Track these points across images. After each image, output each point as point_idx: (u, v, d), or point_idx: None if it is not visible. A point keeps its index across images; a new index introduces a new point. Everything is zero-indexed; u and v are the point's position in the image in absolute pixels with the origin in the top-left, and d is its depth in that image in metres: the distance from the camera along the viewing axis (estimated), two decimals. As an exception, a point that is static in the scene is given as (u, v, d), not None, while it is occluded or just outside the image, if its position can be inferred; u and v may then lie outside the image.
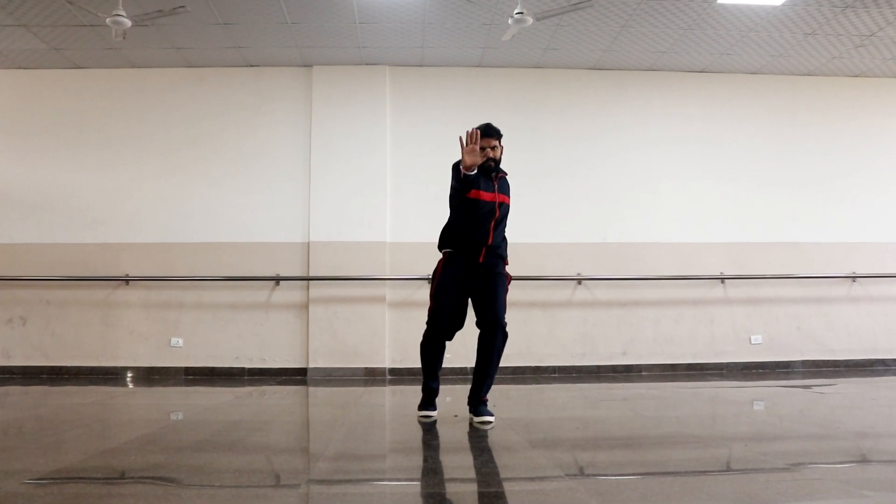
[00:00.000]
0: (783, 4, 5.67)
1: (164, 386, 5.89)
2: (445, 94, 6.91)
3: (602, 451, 3.16)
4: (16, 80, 6.83)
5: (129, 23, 5.08)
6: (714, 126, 7.09)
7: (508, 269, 3.90)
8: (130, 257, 6.61)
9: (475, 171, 3.57)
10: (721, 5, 5.70)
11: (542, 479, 2.54)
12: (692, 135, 7.06)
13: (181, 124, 6.84)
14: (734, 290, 6.87)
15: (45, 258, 6.58)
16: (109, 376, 6.40)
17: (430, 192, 6.34)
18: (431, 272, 3.91)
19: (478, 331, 3.74)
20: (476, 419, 3.67)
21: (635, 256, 6.83)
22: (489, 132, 3.74)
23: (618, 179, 6.95)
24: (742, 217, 6.96)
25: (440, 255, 3.90)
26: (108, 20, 5.07)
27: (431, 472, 2.73)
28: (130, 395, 5.40)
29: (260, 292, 6.64)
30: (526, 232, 6.48)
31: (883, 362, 6.85)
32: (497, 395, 4.93)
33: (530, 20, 5.13)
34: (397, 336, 6.55)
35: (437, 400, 3.91)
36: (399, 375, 6.40)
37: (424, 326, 3.84)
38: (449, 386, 5.14)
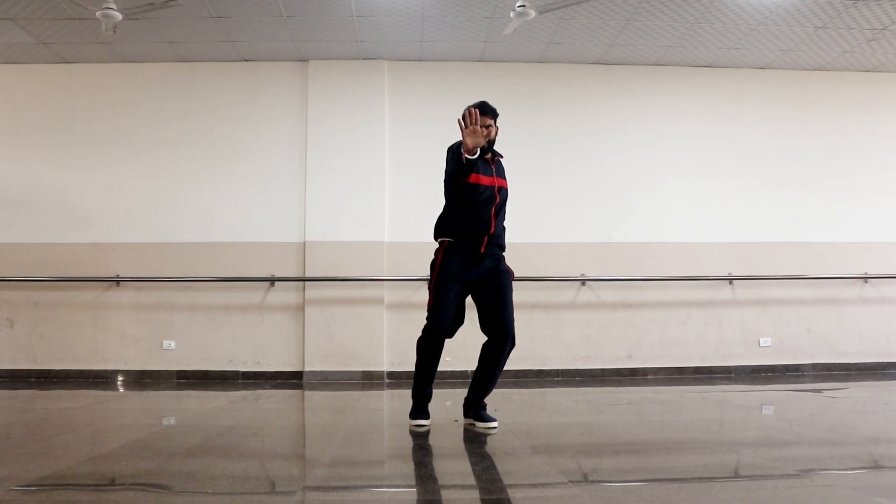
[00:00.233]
0: (793, -3, 5.67)
1: (155, 390, 5.89)
2: (445, 90, 6.91)
3: (606, 457, 3.16)
4: (2, 76, 6.82)
5: (119, 16, 5.08)
6: (722, 123, 7.09)
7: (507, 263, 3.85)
8: (121, 257, 6.61)
9: (477, 154, 3.49)
10: (729, -2, 5.70)
11: (544, 485, 2.54)
12: (699, 131, 7.06)
13: (173, 121, 6.84)
14: (742, 291, 6.87)
15: (33, 258, 6.58)
16: (99, 380, 6.40)
17: (430, 191, 6.30)
18: (430, 264, 3.81)
19: (479, 331, 3.71)
20: (480, 425, 3.66)
21: (641, 257, 6.83)
22: (486, 110, 3.67)
23: (623, 177, 6.95)
24: (751, 216, 6.96)
25: (437, 246, 3.80)
26: (97, 13, 5.07)
27: (430, 478, 2.73)
28: (121, 399, 5.40)
29: (254, 293, 6.64)
30: (528, 231, 6.49)
31: (896, 366, 6.87)
32: (499, 399, 4.93)
33: (533, 13, 5.14)
34: (396, 338, 6.55)
35: (430, 406, 3.80)
36: (397, 379, 6.40)
37: (424, 328, 3.72)
38: (449, 390, 5.15)
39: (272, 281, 6.62)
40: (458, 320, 3.71)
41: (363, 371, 6.51)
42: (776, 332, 6.86)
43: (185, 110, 6.86)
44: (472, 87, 6.90)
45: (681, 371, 6.71)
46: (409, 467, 2.94)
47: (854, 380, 6.23)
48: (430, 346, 3.71)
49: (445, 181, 3.77)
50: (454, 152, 3.65)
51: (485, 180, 3.66)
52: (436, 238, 3.81)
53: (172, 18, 5.92)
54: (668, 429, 3.85)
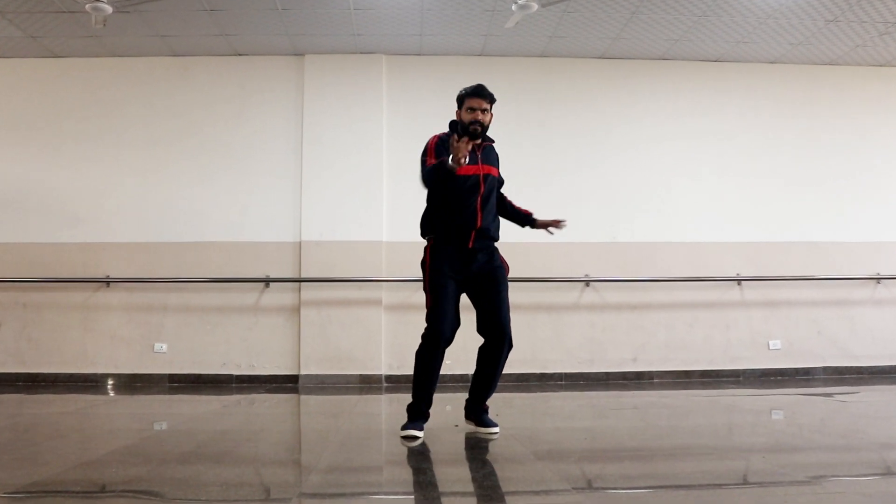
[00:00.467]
0: (803, -10, 5.67)
1: (147, 394, 5.89)
2: (445, 85, 6.82)
3: (611, 463, 3.16)
4: (-10, 70, 6.84)
5: (109, 9, 5.09)
6: (730, 119, 7.09)
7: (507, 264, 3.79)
8: (111, 257, 6.61)
9: (456, 166, 3.32)
10: (737, -10, 5.71)
11: (547, 492, 2.54)
12: (706, 128, 7.06)
13: (165, 117, 6.84)
14: (751, 292, 6.87)
15: (20, 258, 6.57)
16: (89, 384, 6.40)
17: (429, 189, 6.33)
18: (420, 263, 3.70)
19: (475, 333, 3.66)
20: (483, 430, 3.64)
21: (646, 257, 6.83)
22: (481, 93, 3.60)
23: (628, 175, 6.95)
24: (759, 215, 6.96)
25: (425, 243, 3.70)
26: (87, 6, 5.08)
27: (430, 485, 2.73)
28: (111, 403, 5.40)
29: (249, 294, 6.64)
30: (530, 230, 6.46)
31: (909, 369, 6.86)
32: (500, 403, 4.93)
33: (535, 6, 5.14)
34: (394, 341, 6.54)
35: (430, 410, 3.63)
36: (396, 383, 6.39)
37: (423, 330, 3.57)
38: (449, 394, 5.13)
39: (267, 282, 6.61)
40: (457, 322, 3.58)
41: (360, 374, 6.50)
42: (786, 335, 6.85)
43: (178, 106, 6.85)
44: (473, 83, 6.88)
45: (688, 374, 6.70)
46: (407, 473, 2.94)
47: (866, 383, 6.23)
48: (431, 355, 3.51)
49: (421, 168, 3.62)
50: (440, 146, 3.51)
51: (468, 169, 3.51)
52: (423, 235, 3.71)
53: (164, 11, 5.92)
54: (674, 434, 3.85)
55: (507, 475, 2.84)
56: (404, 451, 3.31)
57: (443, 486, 2.70)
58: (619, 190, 6.92)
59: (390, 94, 6.92)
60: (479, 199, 3.57)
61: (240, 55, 6.92)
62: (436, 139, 3.67)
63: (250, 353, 6.57)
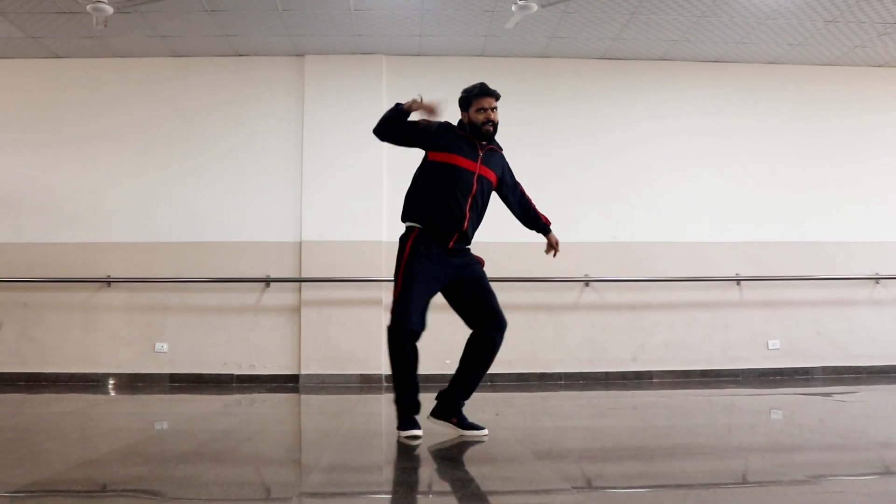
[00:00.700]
0: (802, -10, 5.67)
1: (147, 394, 5.89)
2: (445, 86, 6.79)
3: (611, 462, 3.16)
4: (-9, 71, 6.84)
5: (110, 9, 5.09)
6: (729, 119, 7.09)
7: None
8: (112, 258, 6.61)
9: (412, 108, 3.41)
10: (737, -9, 5.71)
11: (547, 492, 2.54)
12: (706, 128, 7.06)
13: (166, 117, 6.84)
14: (751, 292, 6.87)
15: (21, 258, 6.57)
16: (90, 383, 6.40)
17: (429, 189, 6.33)
18: (397, 252, 3.50)
19: (469, 330, 3.51)
20: (468, 433, 3.45)
21: (646, 257, 6.83)
22: (490, 91, 3.51)
23: (628, 175, 6.95)
24: (759, 215, 6.96)
25: (404, 230, 3.51)
26: (88, 7, 5.08)
27: (430, 484, 2.73)
28: (112, 403, 5.40)
29: (249, 294, 6.64)
30: (530, 230, 6.47)
31: (908, 369, 6.86)
32: (500, 403, 4.94)
33: (535, 7, 5.14)
34: (394, 341, 6.53)
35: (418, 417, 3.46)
36: (396, 382, 6.39)
37: (388, 323, 3.38)
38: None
39: (267, 282, 6.62)
40: (423, 320, 3.38)
41: (361, 374, 6.51)
42: (785, 335, 6.85)
43: (178, 106, 6.86)
44: (473, 83, 6.90)
45: (687, 374, 6.71)
46: (407, 473, 2.94)
47: (865, 383, 6.23)
48: (402, 347, 3.33)
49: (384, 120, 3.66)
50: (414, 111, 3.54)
51: (464, 162, 3.45)
52: (404, 219, 3.51)
53: (165, 12, 5.92)
54: (674, 434, 3.85)
55: (507, 474, 2.84)
56: (404, 450, 3.30)
57: (443, 486, 2.70)
58: (618, 190, 6.92)
59: (390, 95, 6.90)
60: (469, 199, 3.47)
61: (240, 56, 6.92)
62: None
63: (251, 353, 6.57)
